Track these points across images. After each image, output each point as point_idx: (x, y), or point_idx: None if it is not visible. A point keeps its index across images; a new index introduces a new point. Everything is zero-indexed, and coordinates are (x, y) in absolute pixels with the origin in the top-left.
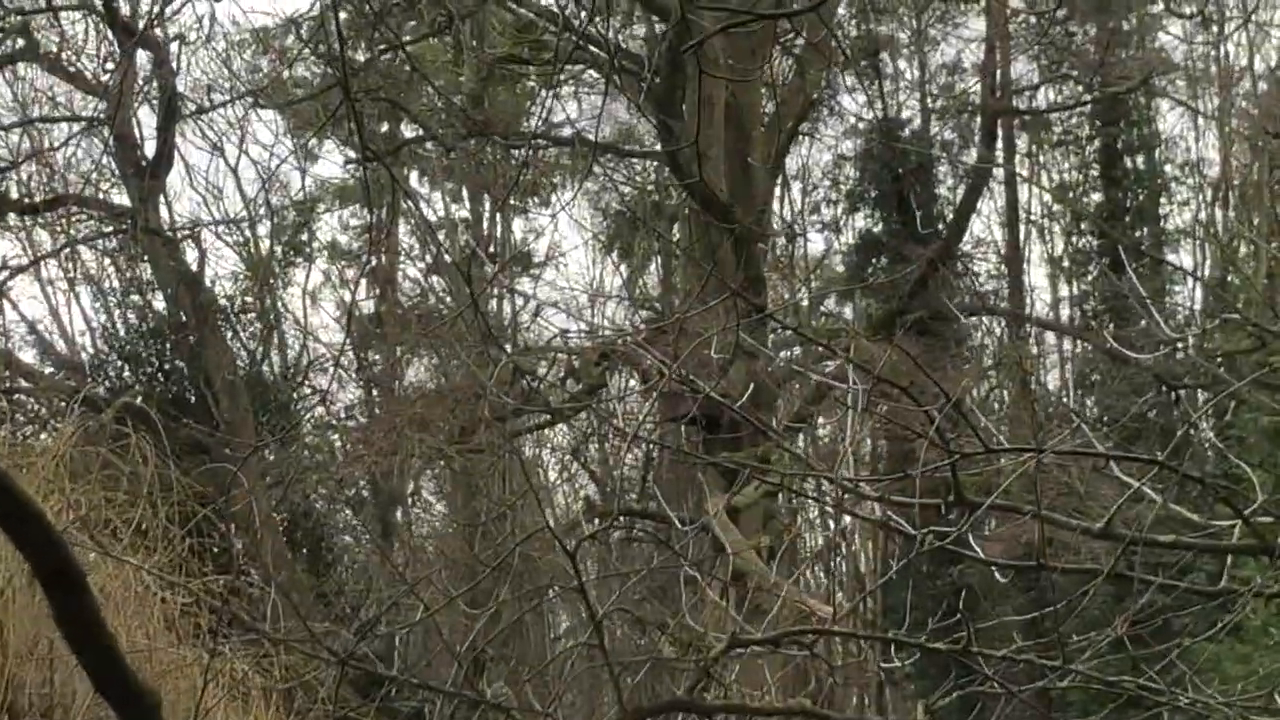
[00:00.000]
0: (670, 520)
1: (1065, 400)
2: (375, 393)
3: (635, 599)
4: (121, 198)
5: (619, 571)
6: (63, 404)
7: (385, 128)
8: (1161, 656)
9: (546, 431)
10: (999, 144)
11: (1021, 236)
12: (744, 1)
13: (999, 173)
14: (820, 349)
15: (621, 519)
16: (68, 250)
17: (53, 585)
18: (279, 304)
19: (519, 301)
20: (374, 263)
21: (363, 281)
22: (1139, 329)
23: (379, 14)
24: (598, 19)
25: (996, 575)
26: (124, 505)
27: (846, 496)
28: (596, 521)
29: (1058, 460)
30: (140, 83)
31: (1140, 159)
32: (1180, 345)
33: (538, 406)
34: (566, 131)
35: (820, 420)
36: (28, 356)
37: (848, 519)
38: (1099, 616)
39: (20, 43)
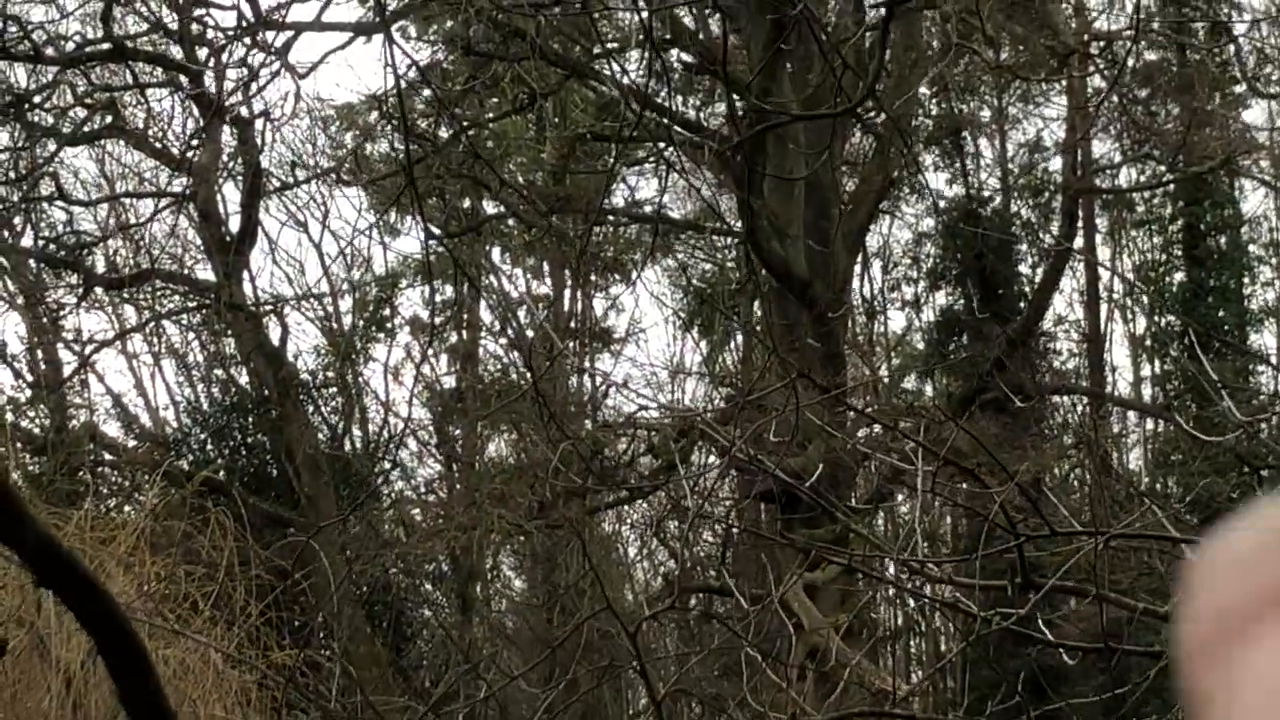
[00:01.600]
0: (738, 598)
1: (1142, 480)
2: (455, 467)
3: (713, 675)
4: (206, 273)
5: (681, 651)
6: (145, 477)
7: (467, 203)
8: None
9: (626, 507)
10: (1080, 223)
11: (1103, 315)
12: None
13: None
14: (891, 430)
15: (698, 595)
16: (153, 325)
17: (116, 666)
18: (360, 379)
19: (599, 377)
20: (451, 339)
21: (442, 356)
22: (1221, 409)
23: (452, 100)
24: (675, 95)
25: (1064, 657)
26: (203, 579)
27: (913, 577)
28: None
29: (1127, 544)
30: (225, 159)
31: (1223, 239)
32: (1257, 428)
33: (610, 484)
34: (648, 209)
35: (900, 497)
36: (112, 429)
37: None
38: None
39: (107, 119)
